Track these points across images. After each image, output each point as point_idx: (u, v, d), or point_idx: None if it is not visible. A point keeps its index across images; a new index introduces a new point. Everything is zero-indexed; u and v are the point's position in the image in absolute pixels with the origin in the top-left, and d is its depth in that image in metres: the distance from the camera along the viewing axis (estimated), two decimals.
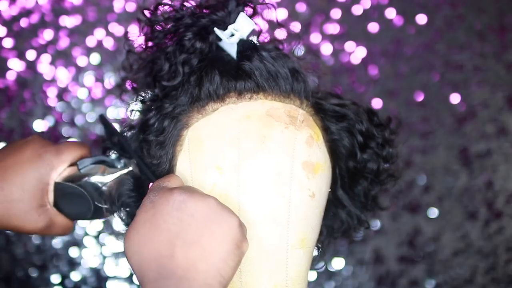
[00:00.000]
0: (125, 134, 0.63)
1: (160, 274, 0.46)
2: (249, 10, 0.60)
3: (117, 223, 1.21)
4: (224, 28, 0.57)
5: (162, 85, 0.57)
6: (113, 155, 0.64)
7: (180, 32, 0.57)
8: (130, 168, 0.62)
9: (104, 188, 0.61)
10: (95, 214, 0.62)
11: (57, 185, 0.60)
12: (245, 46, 0.58)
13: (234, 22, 0.58)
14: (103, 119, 0.64)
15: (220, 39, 0.57)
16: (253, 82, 0.56)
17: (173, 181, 0.53)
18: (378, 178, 0.65)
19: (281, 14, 1.25)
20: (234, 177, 0.54)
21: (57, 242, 1.21)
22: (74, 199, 0.61)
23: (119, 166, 0.62)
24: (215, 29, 0.57)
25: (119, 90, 0.70)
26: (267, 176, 0.54)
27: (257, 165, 0.54)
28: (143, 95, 0.61)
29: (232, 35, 0.57)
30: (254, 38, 0.61)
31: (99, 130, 1.23)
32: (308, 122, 0.58)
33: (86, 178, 0.61)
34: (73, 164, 0.62)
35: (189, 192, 0.50)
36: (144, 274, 0.47)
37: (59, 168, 0.61)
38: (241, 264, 0.52)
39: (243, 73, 0.56)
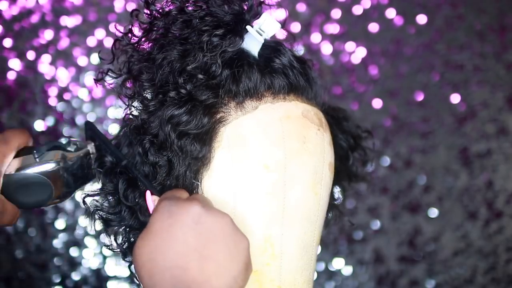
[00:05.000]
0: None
1: (174, 285, 0.46)
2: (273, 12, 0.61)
3: None
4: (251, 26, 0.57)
5: (197, 79, 0.55)
6: (63, 140, 0.63)
7: (214, 27, 0.56)
8: (87, 149, 0.62)
9: (64, 173, 0.60)
10: (52, 200, 0.61)
11: (15, 175, 0.58)
12: (274, 47, 0.58)
13: (257, 18, 0.58)
14: (89, 125, 0.65)
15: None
16: (288, 82, 0.57)
17: (184, 194, 0.53)
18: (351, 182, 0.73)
19: (281, 14, 1.25)
20: (281, 176, 0.55)
21: (57, 242, 1.21)
22: (33, 188, 0.59)
23: (72, 150, 0.61)
24: (248, 27, 0.56)
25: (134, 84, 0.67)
26: (307, 175, 0.56)
27: (301, 164, 0.56)
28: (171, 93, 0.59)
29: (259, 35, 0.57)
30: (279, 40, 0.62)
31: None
32: (328, 125, 0.61)
33: (45, 164, 0.59)
34: (18, 152, 0.59)
35: (207, 207, 0.49)
36: (156, 284, 0.47)
37: (9, 156, 0.58)
38: (282, 262, 0.55)
39: (278, 72, 0.57)
